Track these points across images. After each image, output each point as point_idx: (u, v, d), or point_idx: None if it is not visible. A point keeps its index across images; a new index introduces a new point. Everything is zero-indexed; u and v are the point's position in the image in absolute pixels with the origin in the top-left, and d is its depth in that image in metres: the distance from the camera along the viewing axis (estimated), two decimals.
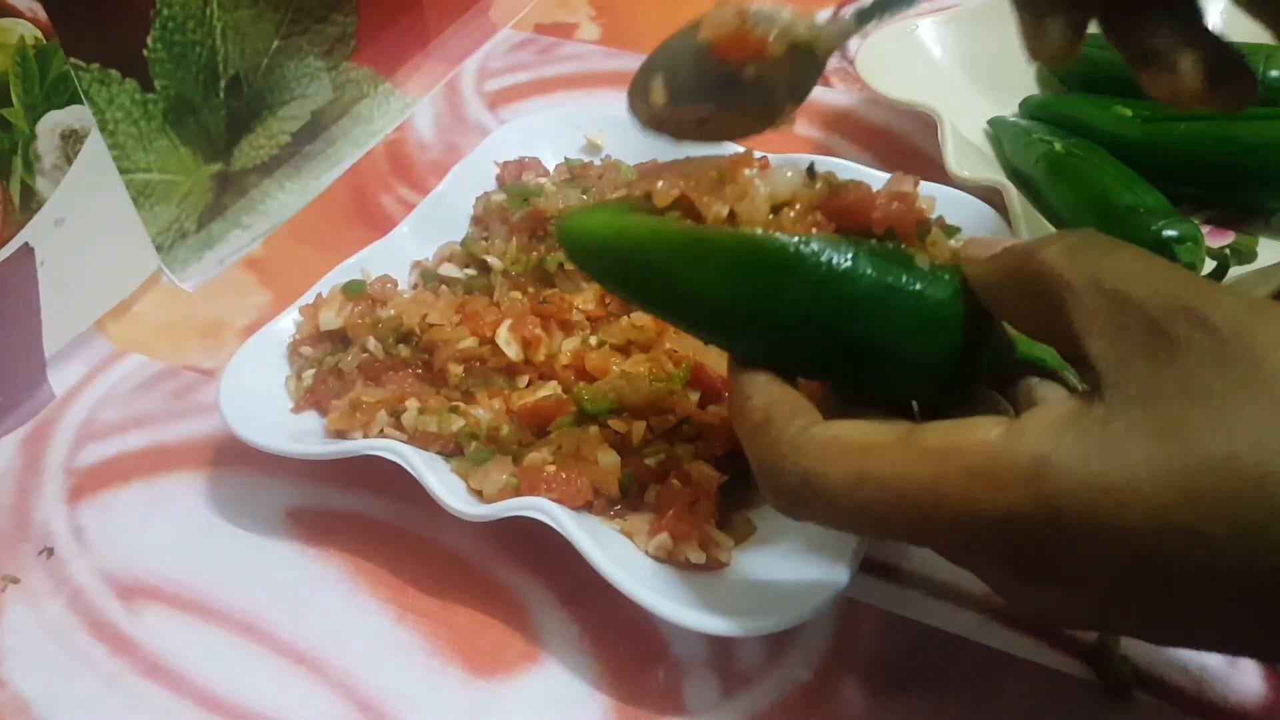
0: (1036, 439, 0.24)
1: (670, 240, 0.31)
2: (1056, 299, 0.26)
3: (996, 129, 0.56)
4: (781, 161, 0.51)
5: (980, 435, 0.25)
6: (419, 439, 0.41)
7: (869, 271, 0.30)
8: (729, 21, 0.32)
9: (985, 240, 0.30)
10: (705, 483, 0.39)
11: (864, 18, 0.33)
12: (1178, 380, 0.23)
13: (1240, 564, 0.22)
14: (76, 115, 0.48)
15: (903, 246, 0.30)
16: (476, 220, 0.53)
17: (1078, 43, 0.31)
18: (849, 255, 0.30)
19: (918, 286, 0.29)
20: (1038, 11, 0.31)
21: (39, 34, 0.45)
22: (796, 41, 0.32)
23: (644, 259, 0.32)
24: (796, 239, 0.30)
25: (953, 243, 0.31)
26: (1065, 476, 0.23)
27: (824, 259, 0.30)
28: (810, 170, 0.32)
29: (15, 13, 0.44)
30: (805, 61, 0.33)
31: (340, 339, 0.46)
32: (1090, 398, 0.24)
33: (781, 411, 0.29)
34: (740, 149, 0.33)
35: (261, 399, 0.44)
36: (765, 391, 0.30)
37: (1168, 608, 0.24)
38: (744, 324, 0.31)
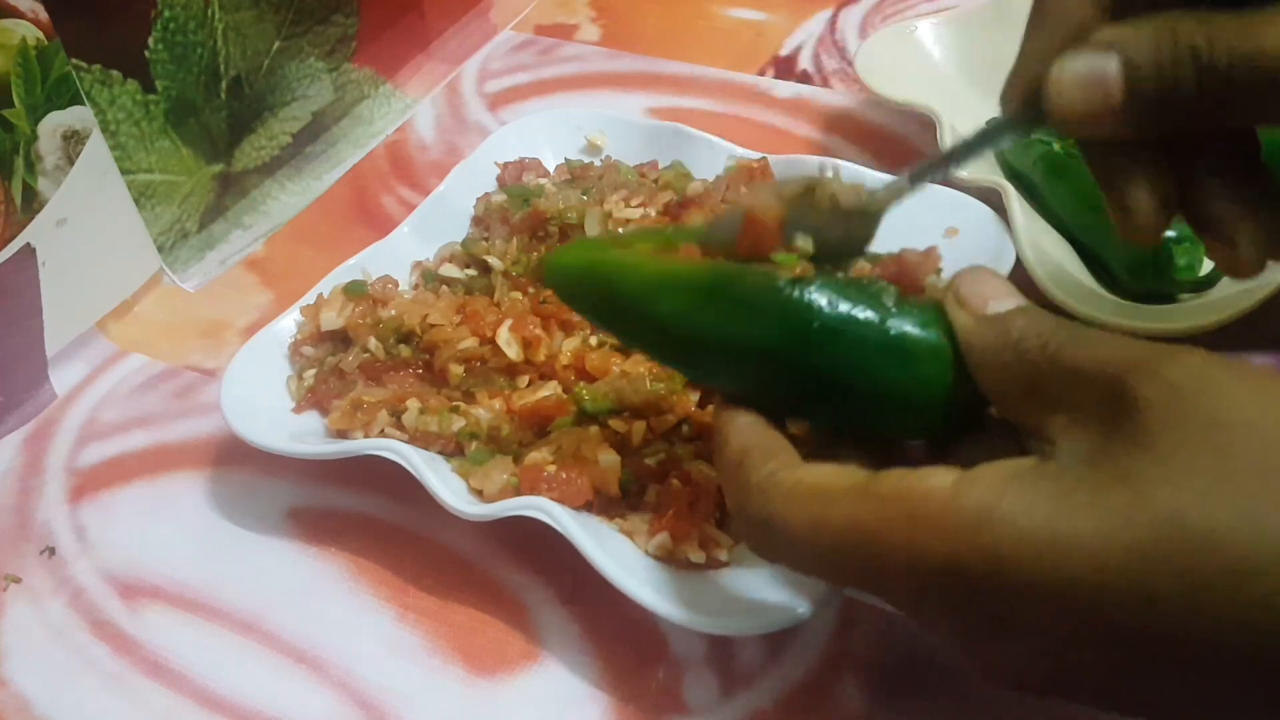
0: (984, 489, 0.24)
1: (639, 272, 0.32)
2: (1027, 380, 0.26)
3: (996, 129, 0.56)
4: (786, 164, 0.51)
5: (931, 483, 0.25)
6: (420, 439, 0.41)
7: (838, 306, 0.29)
8: (756, 214, 0.31)
9: (975, 284, 0.29)
10: (705, 483, 0.39)
11: (918, 178, 0.32)
12: (1130, 435, 0.23)
13: (1190, 624, 0.21)
14: (78, 116, 0.48)
15: (875, 280, 0.30)
16: (477, 221, 0.53)
17: (1166, 216, 0.30)
18: (816, 288, 0.29)
19: (888, 321, 0.29)
20: (1117, 183, 0.30)
21: (40, 35, 0.46)
22: (841, 214, 0.32)
23: (616, 291, 0.33)
24: (762, 271, 0.30)
25: (931, 278, 0.32)
26: (1008, 527, 0.23)
27: (790, 292, 0.29)
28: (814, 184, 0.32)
29: (17, 13, 0.45)
30: (861, 223, 0.32)
31: (341, 339, 0.46)
32: (1047, 455, 0.25)
33: (756, 454, 0.29)
34: None
35: (263, 399, 0.44)
36: (743, 433, 0.30)
37: (1126, 672, 0.23)
38: (715, 354, 0.31)
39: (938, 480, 0.25)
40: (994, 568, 0.23)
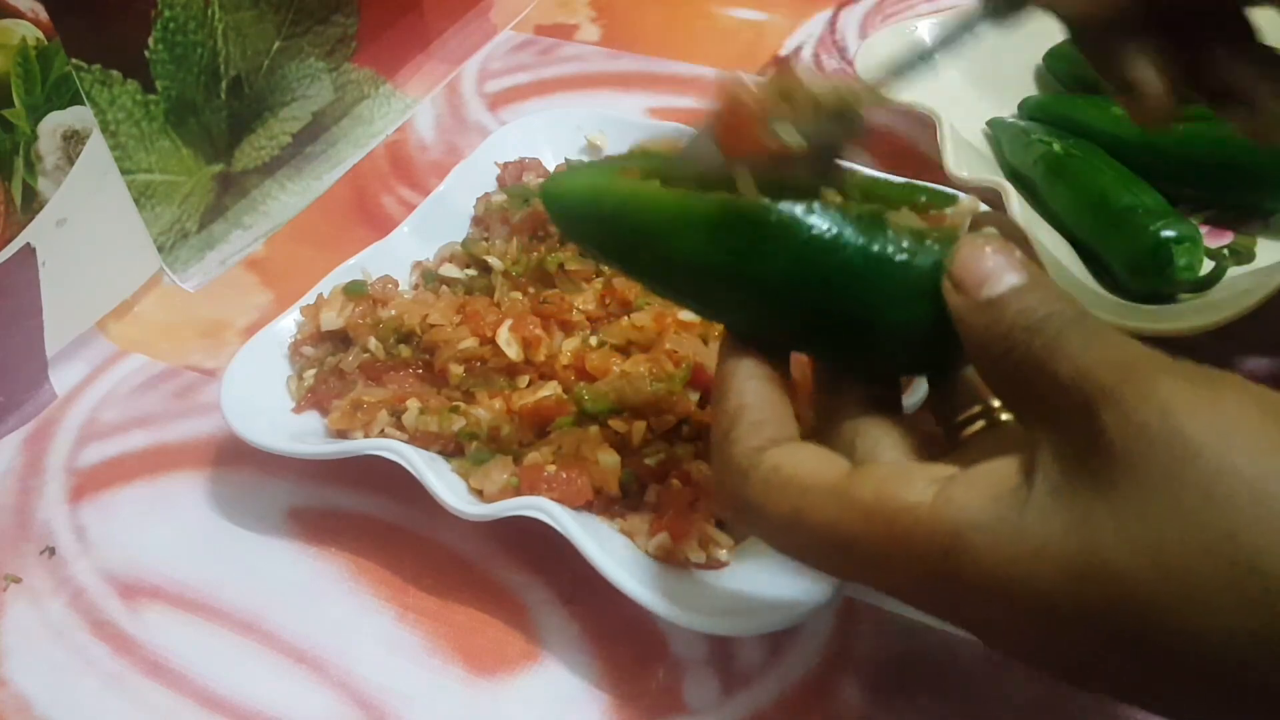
0: (957, 512, 0.24)
1: (650, 203, 0.31)
2: (1016, 377, 0.26)
3: (995, 129, 0.56)
4: None
5: (909, 497, 0.25)
6: (419, 439, 0.41)
7: (850, 239, 0.28)
8: (734, 102, 0.30)
9: (971, 262, 0.28)
10: (705, 483, 0.39)
11: (898, 72, 0.32)
12: (1094, 472, 0.23)
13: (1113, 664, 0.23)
14: (78, 116, 0.48)
15: (887, 214, 0.29)
16: (477, 221, 0.53)
17: (1175, 94, 0.30)
18: (829, 222, 0.29)
19: (898, 257, 0.28)
20: (1111, 64, 0.30)
21: (40, 35, 0.46)
22: (823, 113, 0.30)
23: (624, 222, 0.31)
24: (778, 204, 0.29)
25: (949, 211, 0.30)
26: (972, 558, 0.24)
27: (803, 225, 0.29)
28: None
29: (17, 13, 0.45)
30: (843, 123, 0.31)
31: (341, 339, 0.46)
32: (1020, 473, 0.25)
33: (746, 422, 0.29)
34: None
35: (263, 399, 0.44)
36: (740, 392, 0.30)
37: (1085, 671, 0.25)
38: (723, 291, 0.31)
39: (915, 495, 0.25)
40: (959, 594, 0.25)
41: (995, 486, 0.24)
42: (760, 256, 0.29)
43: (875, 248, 0.28)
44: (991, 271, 0.27)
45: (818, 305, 0.29)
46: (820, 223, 0.29)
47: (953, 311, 0.27)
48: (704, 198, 0.30)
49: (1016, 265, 0.27)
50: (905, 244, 0.28)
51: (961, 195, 0.31)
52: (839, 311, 0.29)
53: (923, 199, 0.30)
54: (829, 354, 0.31)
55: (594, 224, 0.32)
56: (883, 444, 0.29)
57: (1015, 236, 0.29)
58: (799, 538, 0.27)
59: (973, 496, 0.24)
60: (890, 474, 0.26)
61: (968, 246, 0.28)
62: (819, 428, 0.32)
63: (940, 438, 0.31)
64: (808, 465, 0.28)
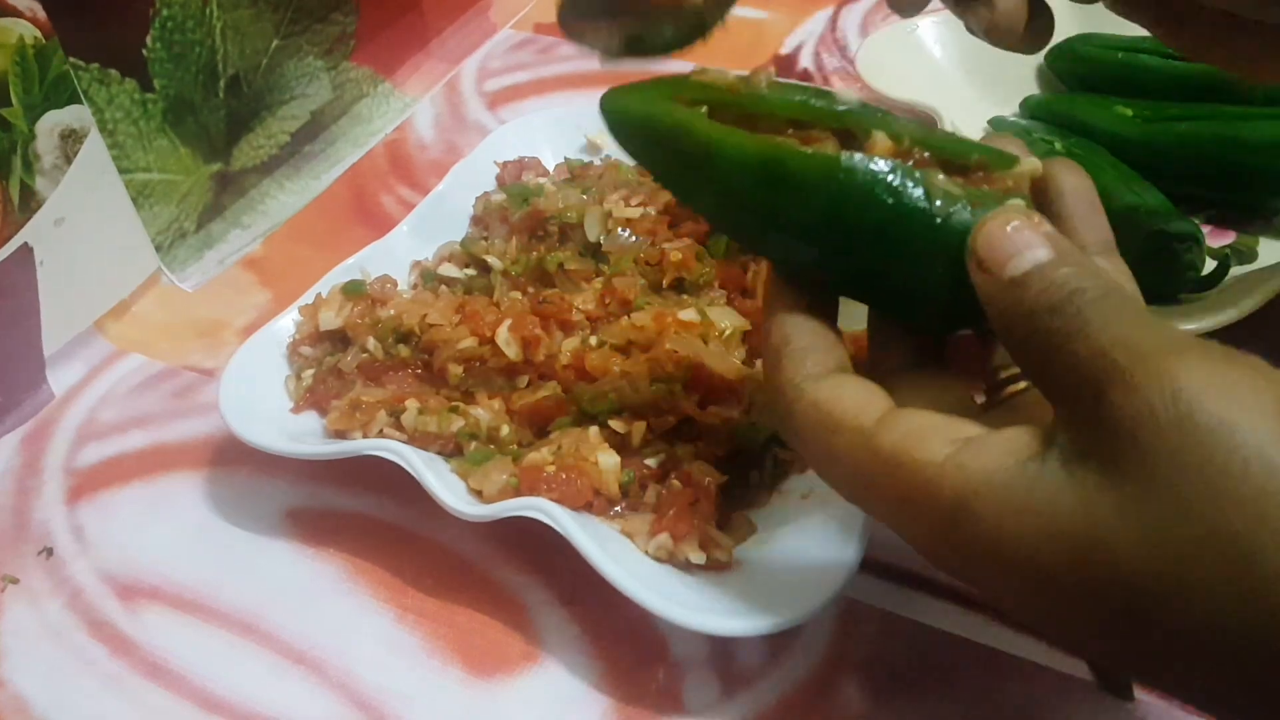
0: (967, 478, 0.25)
1: (696, 137, 0.31)
2: (1039, 357, 0.26)
3: (996, 129, 0.56)
4: None
5: (924, 455, 0.26)
6: (419, 439, 0.41)
7: (881, 194, 0.28)
8: None
9: (994, 240, 0.27)
10: (705, 483, 0.39)
11: None
12: (1102, 456, 0.23)
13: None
14: (76, 115, 0.48)
15: (928, 174, 0.29)
16: (476, 220, 0.53)
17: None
18: (865, 174, 0.29)
19: (931, 219, 0.28)
20: None
21: (38, 33, 0.45)
22: None
23: (676, 149, 0.32)
24: (817, 151, 0.29)
25: (1009, 173, 0.30)
26: (976, 525, 0.25)
27: (838, 175, 0.29)
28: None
29: (14, 12, 0.44)
30: None
31: (340, 339, 0.46)
32: (1038, 443, 0.25)
33: (791, 352, 0.30)
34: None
35: (261, 399, 0.44)
36: (784, 325, 0.31)
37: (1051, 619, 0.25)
38: (762, 229, 0.31)
39: (931, 453, 0.26)
40: (964, 554, 0.25)
41: (1010, 455, 0.25)
42: (797, 203, 0.30)
43: (907, 206, 0.28)
44: (1015, 249, 0.27)
45: (852, 255, 0.30)
46: (856, 174, 0.29)
47: (977, 289, 0.28)
48: (748, 138, 0.30)
49: (1041, 241, 0.27)
50: (939, 205, 0.28)
51: (1025, 158, 0.31)
52: (872, 263, 0.30)
53: (976, 158, 0.30)
54: (868, 301, 0.32)
55: (649, 145, 0.33)
56: (921, 396, 0.29)
57: (1079, 191, 0.30)
58: (833, 473, 0.29)
59: (985, 462, 0.25)
60: (914, 427, 0.27)
61: (992, 222, 0.27)
62: (877, 337, 0.33)
63: (981, 393, 0.31)
64: (845, 402, 0.28)
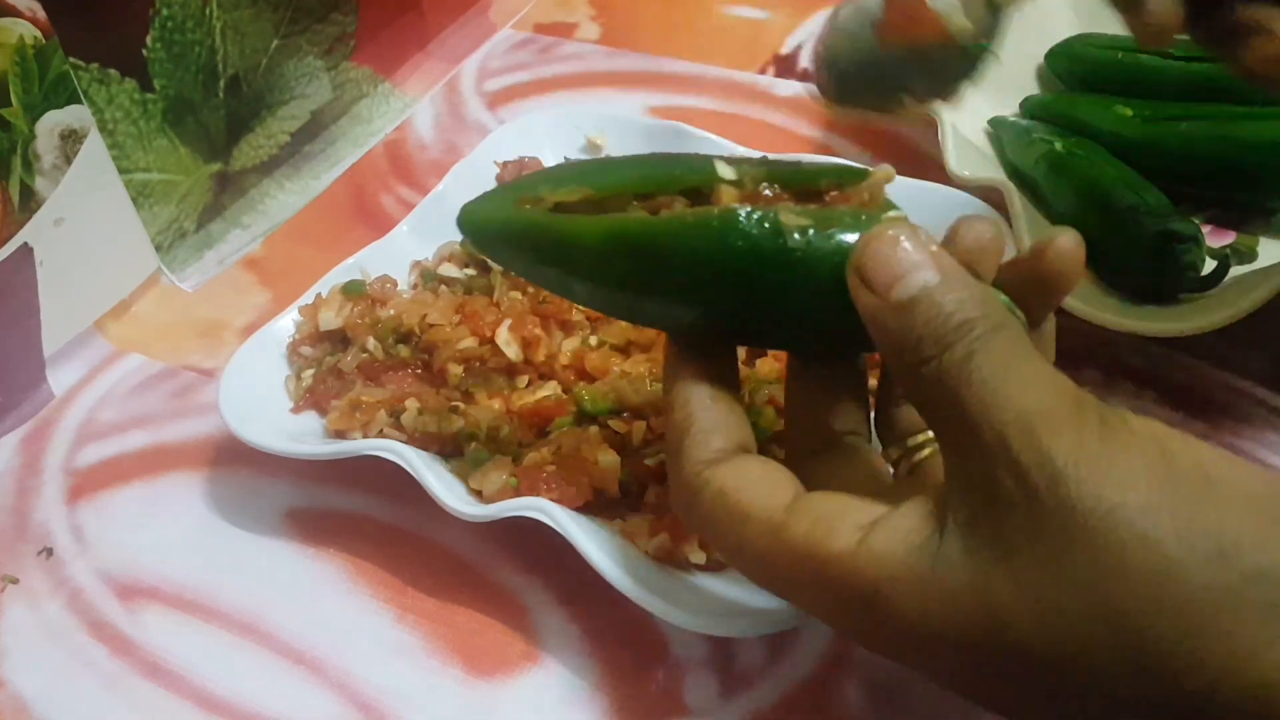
0: (877, 564, 0.25)
1: (548, 233, 0.31)
2: (925, 397, 0.25)
3: (997, 129, 0.56)
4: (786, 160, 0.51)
5: (837, 545, 0.26)
6: (418, 439, 0.41)
7: (739, 243, 0.28)
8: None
9: (879, 258, 0.26)
10: None
11: None
12: (993, 534, 0.24)
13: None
14: (76, 115, 0.48)
15: (776, 211, 0.28)
16: None
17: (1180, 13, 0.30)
18: (717, 229, 0.28)
19: (794, 253, 0.27)
20: None
21: (38, 33, 0.45)
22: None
23: (530, 248, 0.32)
24: (663, 220, 0.29)
25: (863, 186, 0.29)
26: (890, 611, 0.25)
27: (689, 238, 0.28)
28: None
29: (14, 12, 0.44)
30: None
31: (340, 339, 0.46)
32: (933, 520, 0.25)
33: (693, 434, 0.29)
34: None
35: (261, 399, 0.44)
36: (685, 403, 0.30)
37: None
38: (637, 304, 0.31)
39: (841, 543, 0.26)
40: (883, 636, 0.26)
41: (910, 536, 0.25)
42: (656, 269, 0.29)
43: (764, 247, 0.28)
44: (901, 270, 0.25)
45: (727, 306, 0.29)
46: (704, 228, 0.28)
47: (861, 311, 0.26)
48: (594, 220, 0.30)
49: (929, 262, 0.25)
50: (796, 238, 0.27)
51: (876, 168, 0.30)
52: (753, 310, 0.29)
53: (824, 181, 0.30)
54: (763, 344, 0.32)
55: (508, 250, 0.33)
56: (833, 476, 0.30)
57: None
58: (743, 563, 0.28)
59: (891, 546, 0.25)
60: (823, 514, 0.27)
61: (876, 239, 0.26)
62: (791, 416, 0.33)
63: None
64: (751, 490, 0.28)
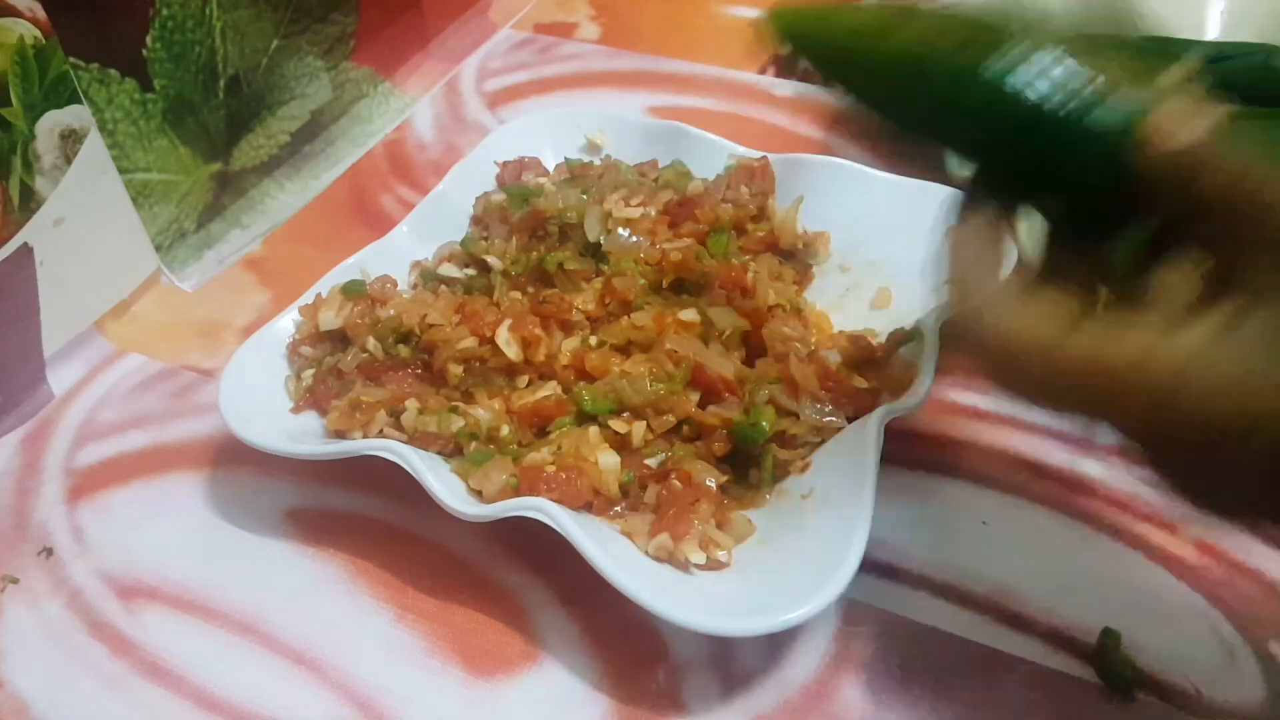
0: (1178, 350, 0.26)
1: (868, 26, 0.34)
2: (1231, 224, 0.27)
3: None
4: (787, 163, 0.51)
5: (1130, 344, 0.27)
6: (419, 439, 0.41)
7: (1044, 87, 0.30)
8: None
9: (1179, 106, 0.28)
10: (705, 483, 0.39)
11: None
12: None
13: None
14: (76, 115, 0.48)
15: (1086, 59, 0.30)
16: (476, 220, 0.53)
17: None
18: (1018, 59, 0.30)
19: (1089, 101, 0.29)
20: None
21: (38, 33, 0.45)
22: None
23: (843, 46, 0.35)
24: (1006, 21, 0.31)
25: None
26: (1191, 391, 0.25)
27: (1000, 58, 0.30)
28: None
29: (14, 12, 0.44)
30: None
31: (340, 339, 0.46)
32: (1231, 316, 0.26)
33: (972, 278, 0.31)
34: None
35: (261, 399, 0.44)
36: (966, 248, 0.32)
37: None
38: (928, 114, 0.33)
39: (1134, 342, 0.27)
40: (1179, 428, 0.26)
41: (1214, 326, 0.26)
42: (956, 91, 0.31)
43: (1066, 87, 0.29)
44: (1191, 123, 0.28)
45: (1010, 138, 0.31)
46: (1011, 60, 0.30)
47: (1148, 159, 0.28)
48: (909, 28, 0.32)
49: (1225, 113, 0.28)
50: (1100, 88, 0.29)
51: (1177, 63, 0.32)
52: (1033, 147, 0.30)
53: (1129, 56, 0.31)
54: (1032, 196, 0.33)
55: (820, 45, 0.36)
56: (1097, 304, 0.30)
57: None
58: (1028, 385, 0.29)
59: (1192, 337, 0.26)
60: (1110, 325, 0.28)
61: (1172, 103, 0.28)
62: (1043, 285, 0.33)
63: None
64: (1036, 309, 0.29)
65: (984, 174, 0.33)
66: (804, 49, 0.37)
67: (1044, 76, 0.30)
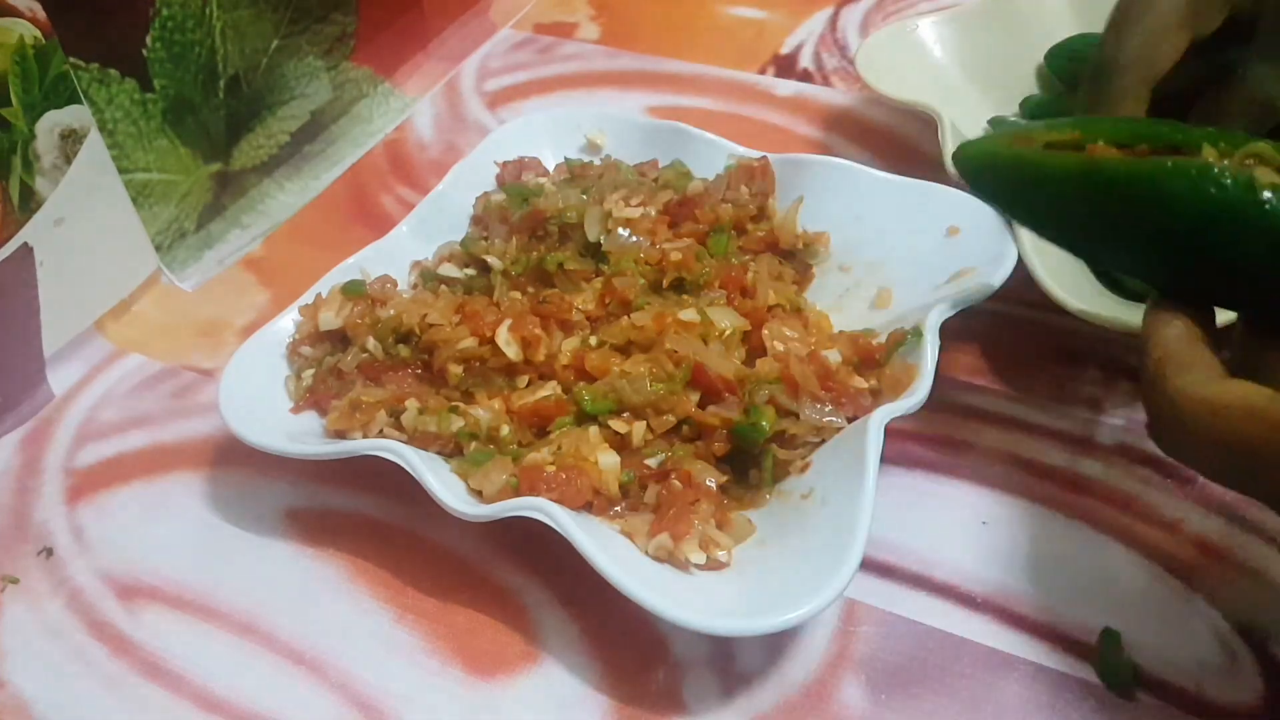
0: None
1: (1029, 163, 0.34)
2: None
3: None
4: (787, 163, 0.51)
5: None
6: (418, 439, 0.41)
7: (1211, 189, 0.30)
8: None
9: None
10: (705, 483, 0.39)
11: None
12: None
13: None
14: (76, 115, 0.48)
15: (1252, 171, 0.30)
16: (476, 220, 0.53)
17: None
18: (1188, 176, 0.30)
19: (1265, 206, 0.29)
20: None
21: (38, 33, 0.45)
22: None
23: (1012, 179, 0.36)
24: (1140, 161, 0.31)
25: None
26: None
27: (1165, 179, 0.31)
28: None
29: (14, 12, 0.44)
30: None
31: (340, 339, 0.46)
32: None
33: (1172, 365, 0.31)
34: None
35: (261, 399, 0.44)
36: (1162, 343, 0.31)
37: None
38: (1092, 238, 0.34)
39: None
40: None
41: None
42: (1126, 209, 0.32)
43: (1236, 198, 0.30)
44: None
45: (1185, 255, 0.31)
46: (1181, 176, 0.30)
47: None
48: (1078, 155, 0.33)
49: None
50: (1268, 195, 0.29)
51: None
52: (1208, 261, 0.31)
53: None
54: (1216, 301, 0.33)
55: (993, 179, 0.37)
56: None
57: None
58: (1234, 461, 0.29)
59: None
60: None
61: None
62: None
63: None
64: (1234, 393, 0.29)
65: (1174, 285, 0.33)
66: (982, 183, 0.38)
67: (1215, 174, 0.30)
